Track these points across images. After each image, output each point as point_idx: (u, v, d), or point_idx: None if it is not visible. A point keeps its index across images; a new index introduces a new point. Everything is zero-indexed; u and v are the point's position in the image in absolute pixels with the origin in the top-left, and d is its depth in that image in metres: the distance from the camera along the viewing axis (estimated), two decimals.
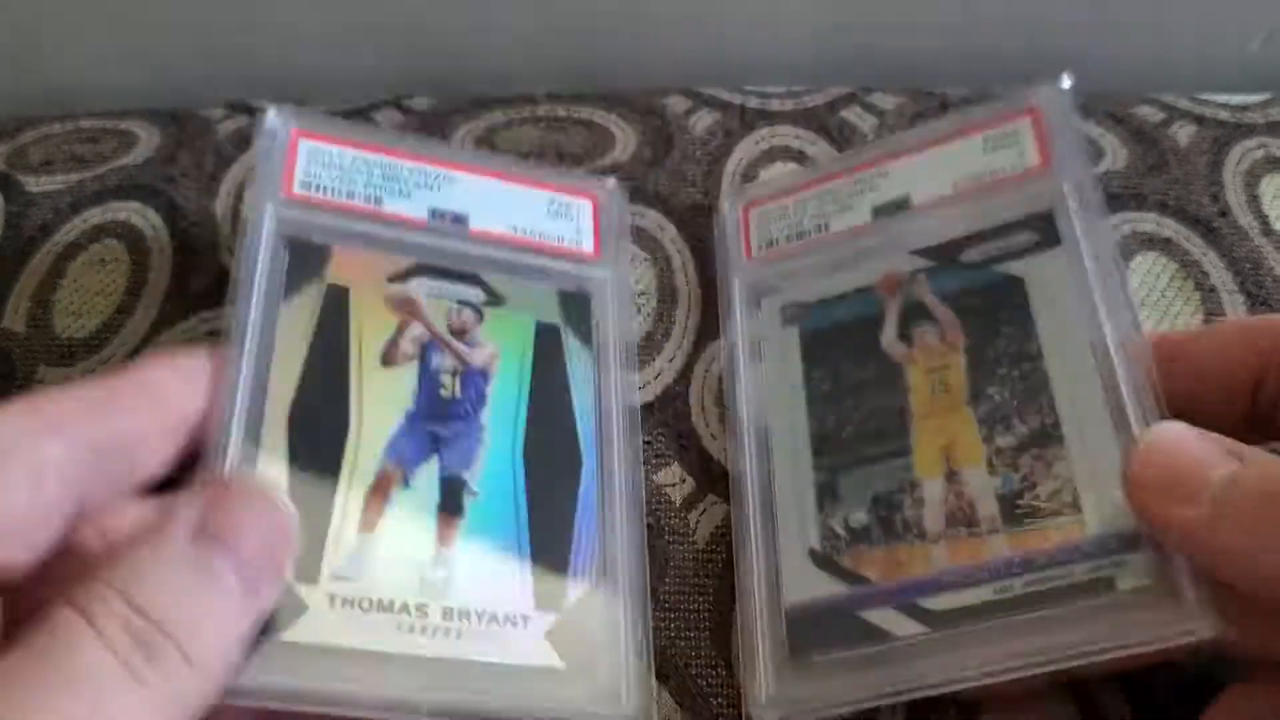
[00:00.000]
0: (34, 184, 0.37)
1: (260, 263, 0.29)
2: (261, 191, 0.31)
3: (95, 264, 0.35)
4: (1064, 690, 0.27)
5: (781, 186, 0.35)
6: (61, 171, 0.38)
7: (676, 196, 0.36)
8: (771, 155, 0.37)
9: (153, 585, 0.21)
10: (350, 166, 0.32)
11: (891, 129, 0.38)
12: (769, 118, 0.39)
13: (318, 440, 0.27)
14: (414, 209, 0.32)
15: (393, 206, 0.32)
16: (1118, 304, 0.27)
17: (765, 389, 0.31)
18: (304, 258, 0.30)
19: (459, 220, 0.32)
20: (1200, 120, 0.38)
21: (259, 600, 0.23)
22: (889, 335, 0.30)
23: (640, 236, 0.35)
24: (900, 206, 0.32)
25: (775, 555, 0.28)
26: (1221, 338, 0.27)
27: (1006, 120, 0.32)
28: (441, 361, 0.30)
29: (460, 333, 0.30)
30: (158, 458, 0.25)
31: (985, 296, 0.30)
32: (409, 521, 0.27)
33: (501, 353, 0.30)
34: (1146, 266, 0.34)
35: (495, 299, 0.31)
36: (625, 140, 0.38)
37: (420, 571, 0.27)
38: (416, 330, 0.30)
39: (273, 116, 0.32)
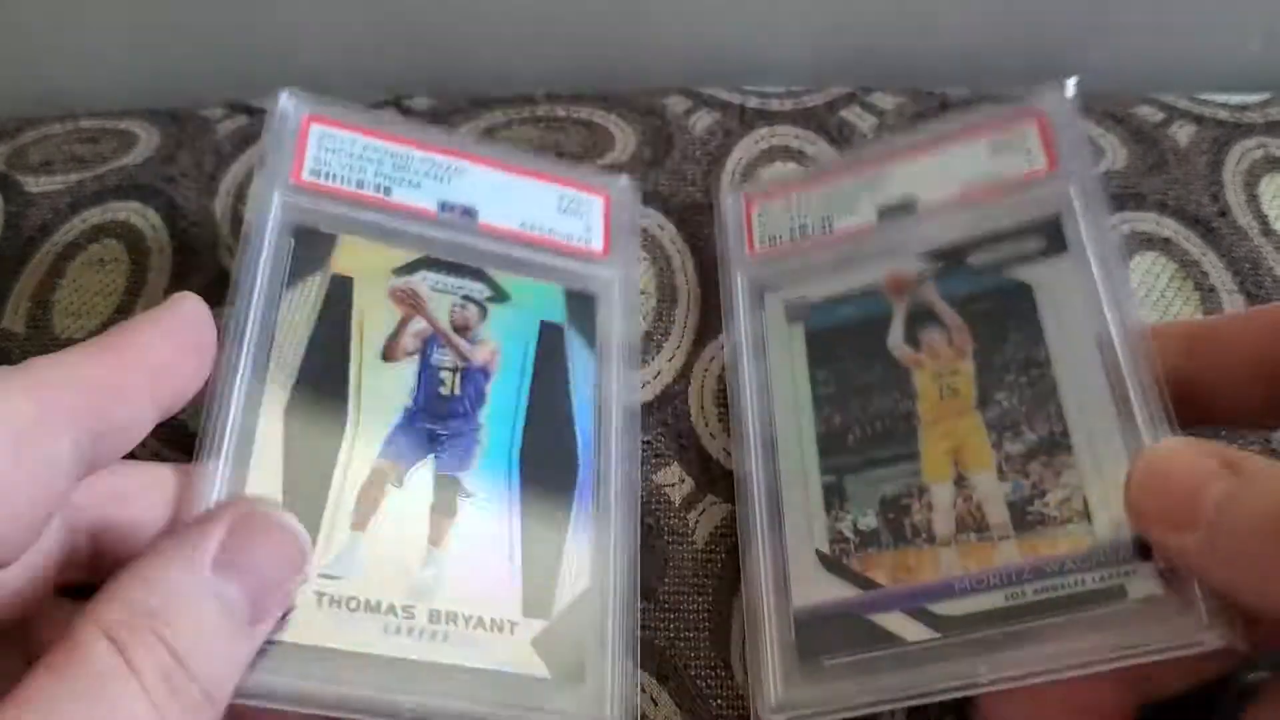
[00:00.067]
0: (33, 184, 0.37)
1: (265, 250, 0.29)
2: (269, 177, 0.30)
3: (95, 264, 0.35)
4: None
5: (783, 183, 0.35)
6: (61, 172, 0.38)
7: (676, 196, 0.36)
8: (771, 155, 0.37)
9: (182, 620, 0.21)
10: (361, 154, 0.32)
11: (891, 129, 0.38)
12: (769, 118, 0.39)
13: (313, 434, 0.27)
14: (423, 200, 0.32)
15: (402, 197, 0.31)
16: (1126, 312, 0.27)
17: (769, 387, 0.31)
18: (309, 246, 0.30)
19: (468, 213, 0.32)
20: (1200, 120, 0.38)
21: (265, 627, 0.23)
22: (896, 337, 0.30)
23: (640, 236, 0.35)
24: (905, 208, 0.32)
25: (783, 556, 0.28)
26: (1253, 324, 0.27)
27: (1012, 124, 0.32)
28: (442, 358, 0.30)
29: (463, 329, 0.30)
30: (147, 429, 0.25)
31: (993, 302, 0.30)
32: (401, 521, 0.27)
33: (503, 351, 0.30)
34: (1146, 266, 0.34)
35: (500, 295, 0.31)
36: (625, 140, 0.38)
37: (410, 572, 0.26)
38: (419, 325, 0.30)
39: (285, 100, 0.32)
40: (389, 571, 0.26)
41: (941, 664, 0.25)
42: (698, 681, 0.28)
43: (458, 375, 0.29)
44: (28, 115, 0.41)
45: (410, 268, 0.31)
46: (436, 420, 0.29)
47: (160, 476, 0.26)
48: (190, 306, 0.25)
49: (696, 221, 0.35)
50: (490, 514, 0.28)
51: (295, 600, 0.25)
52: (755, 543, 0.28)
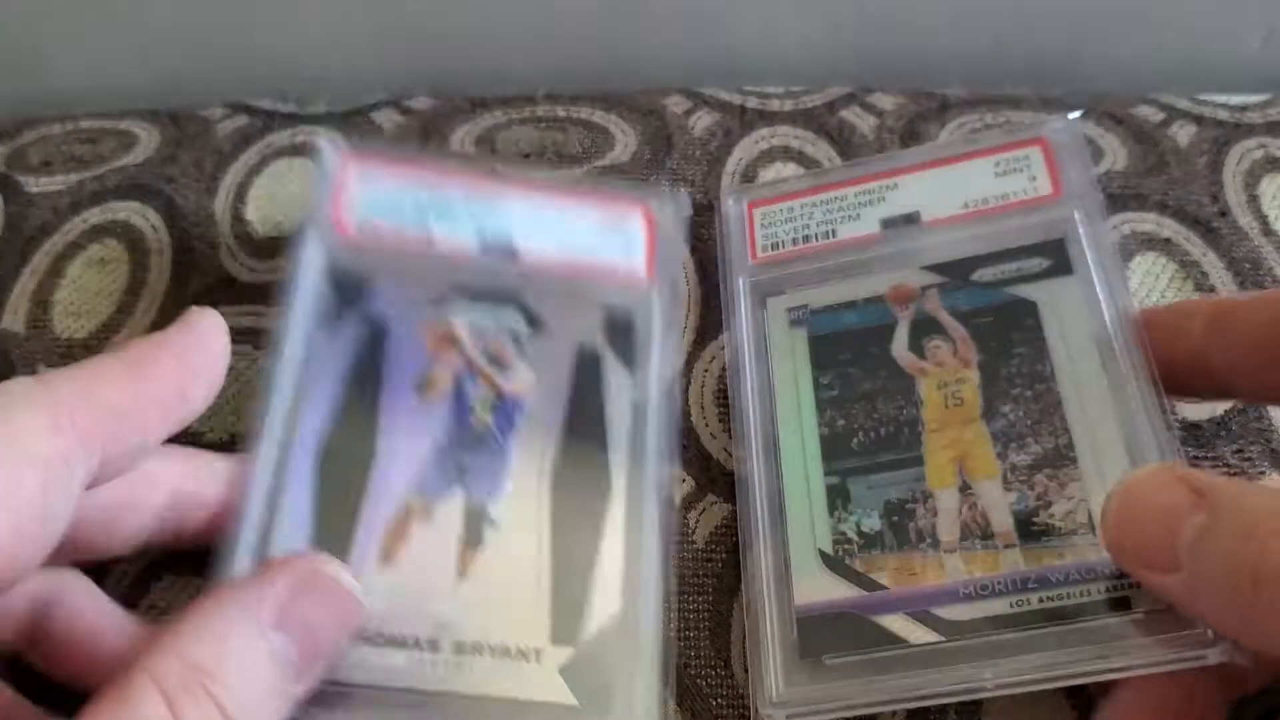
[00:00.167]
0: (33, 184, 0.38)
1: (303, 296, 0.29)
2: (310, 224, 0.31)
3: (95, 264, 0.35)
4: (1062, 693, 0.27)
5: (785, 189, 0.35)
6: (61, 172, 0.38)
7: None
8: (771, 155, 0.37)
9: (234, 678, 0.21)
10: (400, 194, 0.32)
11: (891, 129, 0.38)
12: (768, 118, 0.39)
13: (343, 475, 0.28)
14: (462, 235, 0.32)
15: (440, 234, 0.31)
16: (1130, 334, 0.28)
17: (771, 389, 0.31)
18: (347, 289, 0.30)
19: (506, 245, 0.32)
20: (1200, 120, 0.38)
21: (310, 683, 0.23)
22: (900, 345, 0.31)
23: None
24: (909, 221, 0.33)
25: (785, 555, 0.28)
26: (1271, 305, 0.26)
27: (1017, 146, 0.33)
28: (475, 391, 0.30)
29: (498, 360, 0.30)
30: (156, 445, 0.25)
31: (998, 317, 0.30)
32: (428, 555, 0.27)
33: (538, 379, 0.30)
34: (1146, 267, 0.34)
35: (537, 324, 0.31)
36: (625, 140, 0.38)
37: (436, 604, 0.26)
38: (453, 359, 0.30)
39: (327, 148, 0.32)
40: (415, 605, 0.26)
41: (945, 668, 0.25)
42: (698, 681, 0.28)
43: (490, 407, 0.29)
44: (28, 116, 0.41)
45: (446, 304, 0.31)
46: (467, 453, 0.29)
47: (212, 460, 0.28)
48: (207, 325, 0.26)
49: (696, 221, 0.35)
50: (518, 542, 0.28)
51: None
52: (757, 541, 0.28)
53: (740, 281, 0.33)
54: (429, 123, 0.39)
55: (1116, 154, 0.37)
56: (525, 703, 0.26)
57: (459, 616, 0.26)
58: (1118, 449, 0.27)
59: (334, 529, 0.27)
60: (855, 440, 0.29)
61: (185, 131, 0.39)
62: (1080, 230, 0.30)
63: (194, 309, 0.26)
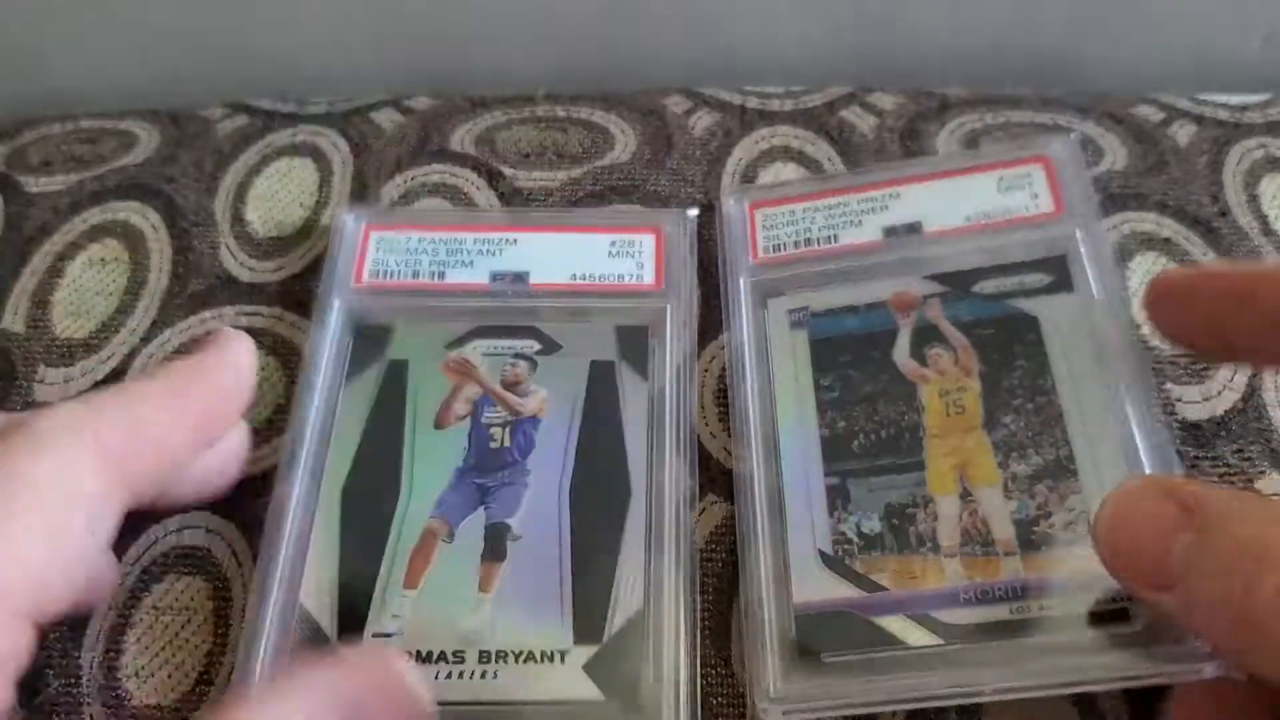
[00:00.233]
0: (33, 184, 0.38)
1: (325, 353, 0.31)
2: (331, 287, 0.33)
3: (95, 264, 0.35)
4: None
5: (787, 192, 0.35)
6: (61, 172, 0.38)
7: (677, 197, 0.36)
8: (771, 155, 0.37)
9: None
10: (416, 249, 0.34)
11: (891, 129, 0.38)
12: (768, 118, 0.39)
13: (368, 511, 0.29)
14: (476, 276, 0.33)
15: (455, 277, 0.33)
16: (1131, 353, 0.29)
17: (771, 389, 0.31)
18: (368, 339, 0.32)
19: (519, 279, 0.33)
20: (1200, 120, 0.38)
21: None
22: (902, 352, 0.31)
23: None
24: (912, 230, 0.33)
25: (784, 554, 0.28)
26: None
27: (1020, 163, 0.33)
28: (492, 415, 0.31)
29: (514, 385, 0.31)
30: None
31: (999, 328, 0.31)
32: (451, 573, 0.28)
33: (553, 397, 0.31)
34: (1146, 266, 0.34)
35: (551, 347, 0.32)
36: (625, 140, 0.38)
37: (459, 621, 0.27)
38: (471, 390, 0.31)
39: (348, 218, 0.34)
40: (439, 623, 0.27)
41: (944, 671, 0.26)
42: (699, 679, 0.28)
43: (507, 429, 0.31)
44: (28, 116, 0.41)
45: (463, 340, 0.32)
46: (486, 474, 0.30)
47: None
48: (238, 348, 0.27)
49: (697, 224, 0.35)
50: (539, 552, 0.28)
51: None
52: (756, 538, 0.28)
53: (741, 281, 0.33)
54: (429, 122, 0.39)
55: (1116, 153, 0.37)
56: (551, 703, 0.26)
57: (483, 629, 0.27)
58: (1119, 464, 0.28)
59: (360, 561, 0.28)
60: (856, 442, 0.30)
61: (185, 131, 0.39)
62: (1081, 249, 0.31)
63: (224, 330, 0.27)
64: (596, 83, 0.41)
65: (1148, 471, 0.27)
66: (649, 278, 0.33)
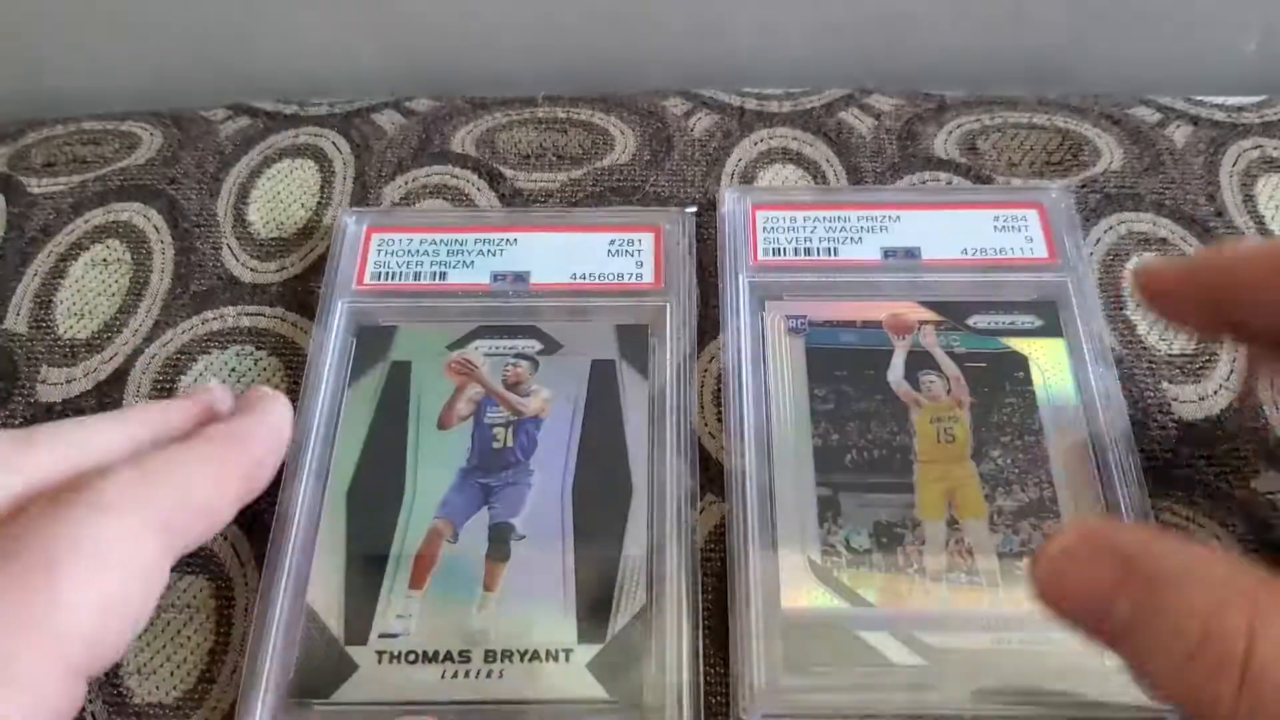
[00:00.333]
0: (36, 185, 0.38)
1: (328, 355, 0.32)
2: (333, 289, 0.33)
3: (97, 264, 0.36)
4: None
5: (788, 198, 0.35)
6: (64, 173, 0.38)
7: (676, 198, 0.36)
8: (770, 156, 0.38)
9: None
10: (417, 250, 0.34)
11: (889, 130, 0.38)
12: (767, 119, 0.39)
13: (374, 512, 0.29)
14: (477, 276, 0.34)
15: (457, 278, 0.34)
16: (1115, 403, 0.30)
17: (766, 392, 0.31)
18: (370, 342, 0.32)
19: (520, 279, 0.34)
20: (1196, 121, 0.38)
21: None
22: (896, 374, 0.31)
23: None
24: (910, 255, 0.34)
25: (774, 559, 0.29)
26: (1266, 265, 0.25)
27: (1015, 206, 0.34)
28: (495, 416, 0.31)
29: (515, 385, 0.32)
30: None
31: (991, 364, 0.32)
32: (456, 573, 0.28)
33: (555, 396, 0.31)
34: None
35: (552, 346, 0.32)
36: (625, 141, 0.38)
37: (465, 619, 0.28)
38: (473, 390, 0.32)
39: (350, 219, 0.35)
40: (445, 622, 0.28)
41: (926, 691, 0.26)
42: (702, 677, 0.28)
43: (510, 429, 0.31)
44: (30, 117, 0.41)
45: (464, 340, 0.33)
46: (489, 474, 0.30)
47: None
48: (279, 411, 0.27)
49: (696, 223, 0.36)
50: (543, 551, 0.29)
51: (358, 661, 0.27)
52: (748, 540, 0.29)
53: (741, 280, 0.33)
54: (430, 124, 0.39)
55: (1113, 154, 0.37)
56: (557, 702, 0.27)
57: (488, 628, 0.28)
58: (1097, 511, 0.29)
59: (366, 562, 0.29)
60: (849, 457, 0.30)
61: (187, 133, 0.39)
62: (1072, 299, 0.32)
63: (262, 391, 0.27)
64: (596, 84, 0.41)
65: (1124, 519, 0.28)
66: (648, 276, 0.34)
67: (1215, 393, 0.31)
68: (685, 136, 0.38)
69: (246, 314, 0.34)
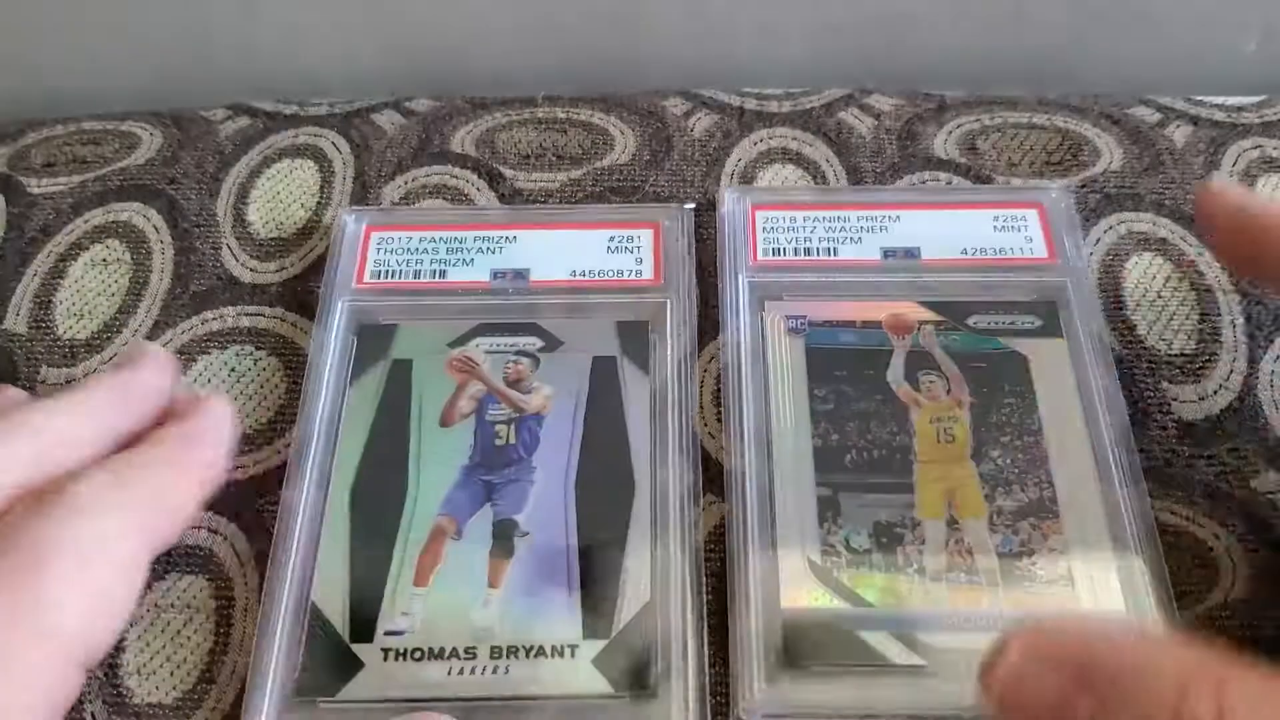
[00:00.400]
0: (36, 185, 0.38)
1: (329, 354, 0.32)
2: (333, 288, 0.33)
3: (97, 265, 0.36)
4: None
5: (788, 198, 0.35)
6: (64, 173, 0.38)
7: (676, 197, 0.36)
8: (770, 156, 0.38)
9: None
10: (417, 248, 0.34)
11: (889, 131, 0.38)
12: (767, 119, 0.39)
13: (377, 510, 0.29)
14: (476, 274, 0.34)
15: (456, 275, 0.34)
16: (1114, 403, 0.30)
17: (766, 392, 0.31)
18: (371, 340, 0.32)
19: (519, 276, 0.34)
20: (1196, 121, 0.38)
21: None
22: (896, 374, 0.32)
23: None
24: (910, 255, 0.34)
25: (774, 559, 0.28)
26: None
27: (1015, 206, 0.34)
28: (497, 413, 0.31)
29: (516, 382, 0.32)
30: None
31: (991, 364, 0.32)
32: (461, 570, 0.29)
33: (556, 393, 0.31)
34: (1143, 267, 0.34)
35: (552, 343, 0.32)
36: (624, 141, 0.38)
37: (470, 616, 0.28)
38: (475, 388, 0.32)
39: (349, 219, 0.35)
40: (450, 619, 0.28)
41: (926, 691, 0.26)
42: (707, 671, 0.28)
43: (512, 426, 0.31)
44: (30, 117, 0.41)
45: (465, 338, 0.33)
46: (492, 471, 0.30)
47: None
48: (219, 411, 0.29)
49: (696, 223, 0.36)
50: (546, 547, 0.29)
51: (363, 659, 0.27)
52: (747, 541, 0.29)
53: (740, 279, 0.33)
54: (430, 124, 0.39)
55: (1113, 154, 0.37)
56: (563, 697, 0.27)
57: (493, 624, 0.28)
58: (1097, 511, 0.29)
59: (370, 560, 0.29)
60: (848, 457, 0.30)
61: (187, 133, 0.39)
62: (1072, 299, 0.32)
63: (200, 394, 0.29)
64: (596, 84, 0.41)
65: (1123, 521, 0.28)
66: (648, 272, 0.34)
67: (1215, 393, 0.31)
68: (685, 136, 0.38)
69: (246, 314, 0.34)
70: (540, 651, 0.27)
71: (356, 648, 0.27)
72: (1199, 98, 0.39)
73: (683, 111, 0.39)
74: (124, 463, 0.26)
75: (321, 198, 0.37)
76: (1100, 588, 0.27)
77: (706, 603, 0.29)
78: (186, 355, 0.33)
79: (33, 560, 0.23)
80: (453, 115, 0.40)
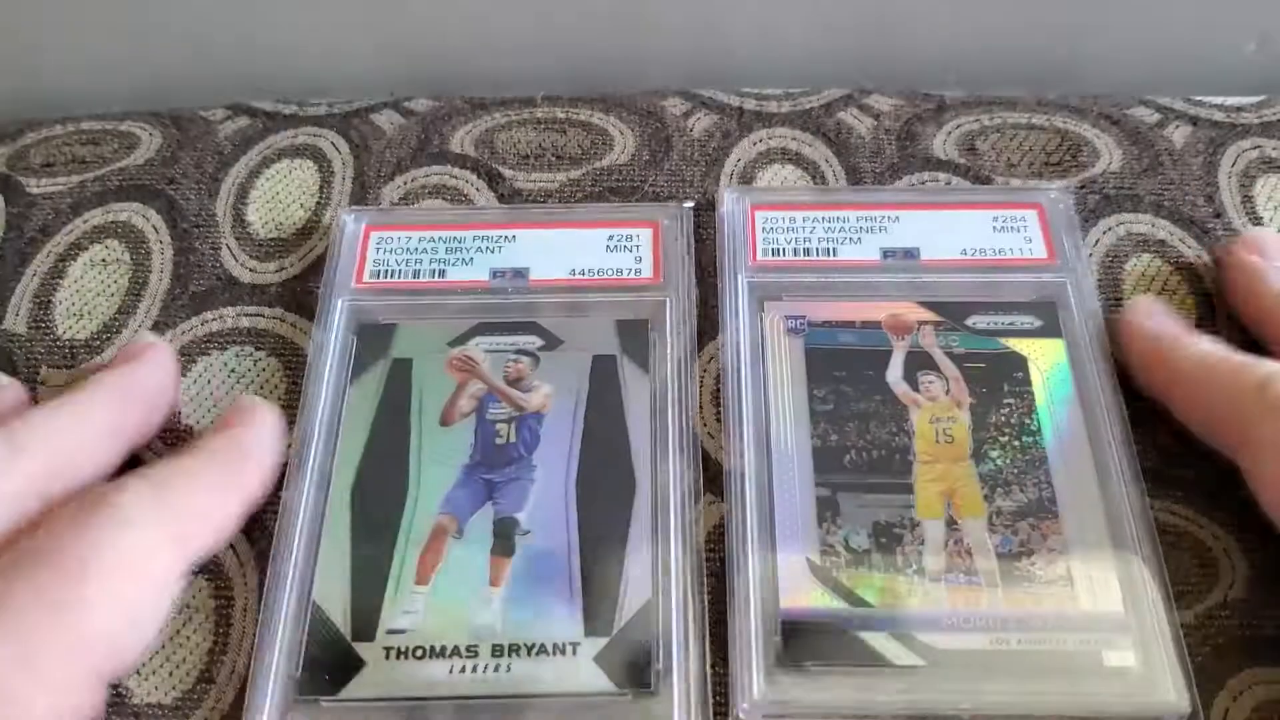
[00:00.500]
0: (35, 185, 0.38)
1: (329, 354, 0.32)
2: (333, 288, 0.33)
3: (96, 265, 0.36)
4: None
5: (788, 198, 0.35)
6: (63, 173, 0.38)
7: (675, 198, 0.36)
8: (769, 156, 0.38)
9: None
10: (416, 248, 0.34)
11: (889, 131, 0.38)
12: (766, 119, 0.39)
13: (378, 510, 0.30)
14: (476, 273, 0.34)
15: (456, 275, 0.34)
16: (1113, 404, 0.30)
17: (765, 392, 0.31)
18: (371, 339, 0.33)
19: (519, 275, 0.34)
20: (1195, 122, 0.38)
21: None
22: (895, 374, 0.32)
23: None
24: (909, 255, 0.34)
25: (773, 560, 0.29)
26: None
27: (1014, 206, 0.34)
28: (497, 412, 0.31)
29: (516, 381, 0.32)
30: None
31: (990, 364, 0.32)
32: (462, 568, 0.29)
33: (556, 391, 0.32)
34: (1141, 269, 0.34)
35: (552, 342, 0.33)
36: (624, 142, 0.38)
37: (471, 614, 0.28)
38: (475, 387, 0.32)
39: (348, 219, 0.35)
40: (451, 618, 0.28)
41: (924, 692, 0.26)
42: (708, 668, 0.28)
43: (512, 424, 0.31)
44: (30, 117, 0.41)
45: (465, 337, 0.33)
46: (493, 470, 0.30)
47: None
48: (271, 420, 0.29)
49: (696, 222, 0.36)
50: (548, 546, 0.29)
51: (365, 658, 0.27)
52: (746, 541, 0.29)
53: (740, 279, 0.33)
54: (429, 124, 0.39)
55: (1112, 155, 0.37)
56: (565, 695, 0.27)
57: (494, 622, 0.28)
58: (1096, 511, 0.29)
59: (371, 559, 0.29)
60: (847, 458, 0.30)
61: (186, 133, 0.39)
62: (1071, 300, 0.32)
63: (254, 401, 0.30)
64: (596, 85, 0.41)
65: (1123, 522, 0.28)
66: (647, 271, 0.34)
67: None
68: (684, 137, 0.38)
69: (246, 314, 0.34)
70: (542, 649, 0.27)
71: (358, 647, 0.27)
72: (1198, 98, 0.39)
73: (682, 111, 0.39)
74: (169, 472, 0.26)
75: (321, 198, 0.37)
76: (1100, 588, 0.28)
77: (706, 603, 0.29)
78: (186, 356, 0.33)
79: (76, 569, 0.23)
80: (452, 115, 0.40)
